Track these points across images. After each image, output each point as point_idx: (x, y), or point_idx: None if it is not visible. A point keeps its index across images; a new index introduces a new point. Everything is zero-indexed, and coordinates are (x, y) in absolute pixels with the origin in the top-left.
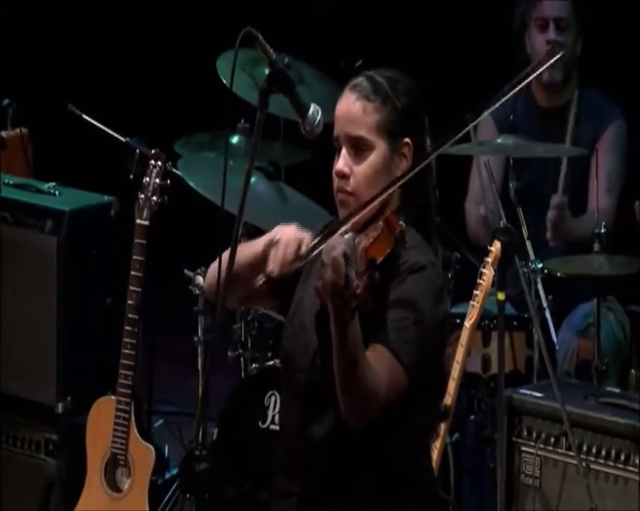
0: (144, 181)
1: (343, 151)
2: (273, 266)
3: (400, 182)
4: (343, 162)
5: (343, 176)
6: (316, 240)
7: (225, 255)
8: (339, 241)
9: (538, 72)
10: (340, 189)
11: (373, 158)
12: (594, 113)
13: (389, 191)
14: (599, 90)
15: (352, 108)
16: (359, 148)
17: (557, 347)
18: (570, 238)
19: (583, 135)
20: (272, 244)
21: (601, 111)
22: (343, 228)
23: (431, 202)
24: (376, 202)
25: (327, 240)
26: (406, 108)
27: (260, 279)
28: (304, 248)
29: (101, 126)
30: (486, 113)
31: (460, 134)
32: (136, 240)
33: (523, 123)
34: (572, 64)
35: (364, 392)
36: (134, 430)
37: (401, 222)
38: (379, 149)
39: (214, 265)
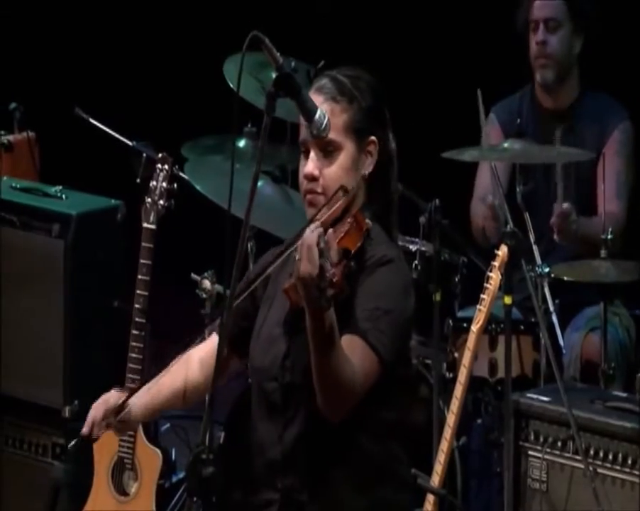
0: (151, 185)
1: (312, 154)
2: (85, 427)
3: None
4: (312, 165)
5: (313, 178)
6: (123, 398)
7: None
8: (311, 234)
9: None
10: (309, 191)
11: (342, 158)
12: (600, 115)
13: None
14: (604, 91)
15: None
16: (327, 150)
17: (564, 351)
18: (580, 238)
19: (588, 138)
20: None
21: (606, 113)
22: (313, 225)
23: (393, 198)
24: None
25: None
26: (371, 106)
27: (76, 441)
28: (107, 414)
29: (108, 130)
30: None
31: None
32: (143, 244)
33: (527, 125)
34: (567, 64)
35: (341, 383)
36: (141, 434)
37: (367, 220)
38: (348, 149)
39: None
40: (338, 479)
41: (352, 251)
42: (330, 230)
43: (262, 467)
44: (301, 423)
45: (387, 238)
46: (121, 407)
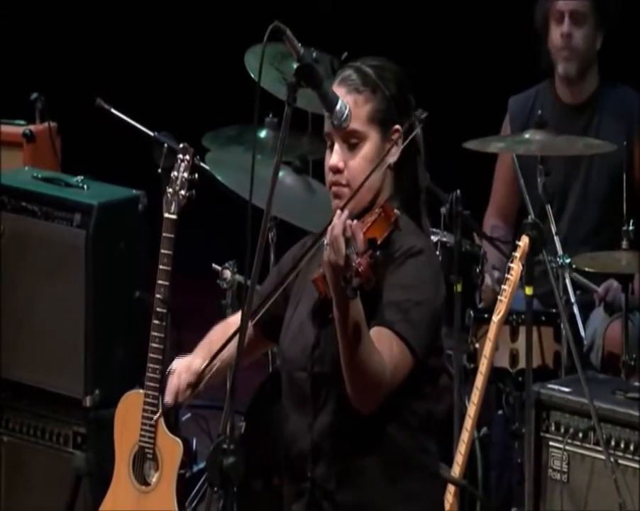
0: (172, 175)
1: (336, 146)
2: (167, 396)
3: (379, 165)
4: (337, 157)
5: (338, 170)
6: (206, 362)
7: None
8: (338, 224)
9: (403, 144)
10: (334, 183)
11: (367, 149)
12: (624, 109)
13: (372, 172)
14: (624, 84)
15: None
16: (351, 142)
17: (585, 342)
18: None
19: (612, 131)
20: (169, 374)
21: (627, 106)
22: (341, 214)
23: (421, 185)
24: (364, 184)
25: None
26: (395, 95)
27: (157, 413)
28: (192, 378)
29: (130, 120)
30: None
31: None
32: (164, 234)
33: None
34: (589, 58)
35: (370, 375)
36: (162, 423)
37: (395, 210)
38: (372, 139)
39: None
40: (367, 470)
41: (379, 241)
42: (361, 225)
43: (293, 457)
44: (330, 413)
45: (416, 227)
46: (203, 373)
